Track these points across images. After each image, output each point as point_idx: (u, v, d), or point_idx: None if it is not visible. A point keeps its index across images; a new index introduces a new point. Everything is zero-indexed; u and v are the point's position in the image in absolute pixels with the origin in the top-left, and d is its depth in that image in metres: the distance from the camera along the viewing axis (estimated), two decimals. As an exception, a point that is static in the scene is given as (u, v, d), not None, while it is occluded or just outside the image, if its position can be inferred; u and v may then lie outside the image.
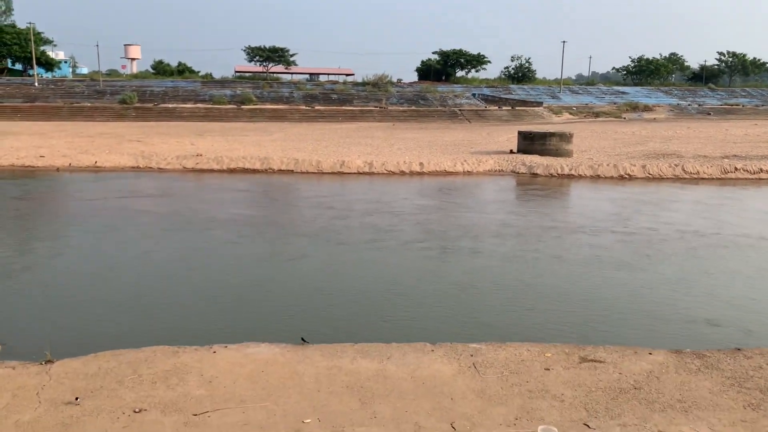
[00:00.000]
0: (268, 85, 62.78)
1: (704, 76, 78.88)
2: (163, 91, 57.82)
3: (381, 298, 8.55)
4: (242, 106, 52.39)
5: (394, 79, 67.21)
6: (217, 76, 74.12)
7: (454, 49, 76.28)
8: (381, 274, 9.69)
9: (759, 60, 77.73)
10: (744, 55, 77.45)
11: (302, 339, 6.34)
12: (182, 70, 75.66)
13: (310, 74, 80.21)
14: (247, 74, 76.40)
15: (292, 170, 21.03)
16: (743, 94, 71.21)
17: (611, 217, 14.19)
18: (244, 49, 75.37)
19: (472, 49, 78.63)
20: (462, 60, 76.24)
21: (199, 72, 78.05)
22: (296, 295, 8.61)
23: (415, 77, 79.33)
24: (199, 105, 52.61)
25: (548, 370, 5.39)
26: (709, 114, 59.99)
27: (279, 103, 54.83)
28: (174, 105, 51.92)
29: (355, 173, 20.82)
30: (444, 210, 15.04)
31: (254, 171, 21.11)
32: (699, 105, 64.24)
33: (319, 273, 9.72)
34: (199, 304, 8.28)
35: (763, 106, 64.18)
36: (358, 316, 7.80)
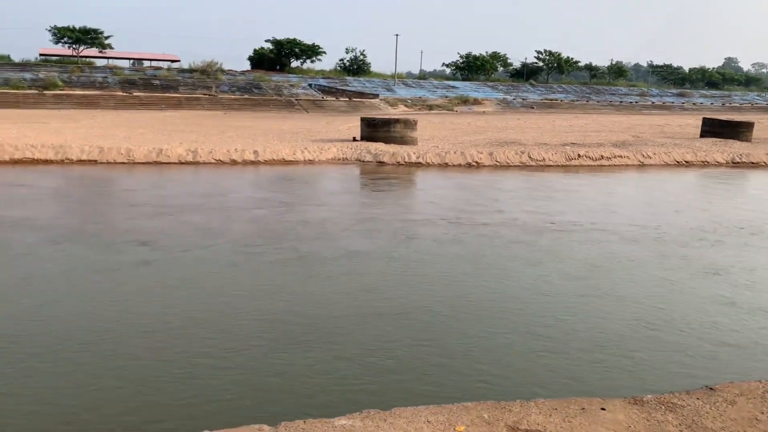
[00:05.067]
0: (79, 69, 55.64)
1: (525, 73, 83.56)
2: (-57, 72, 48.81)
3: (183, 351, 6.08)
4: (45, 92, 45.59)
5: (225, 67, 62.94)
6: (17, 59, 64.61)
7: (288, 38, 73.36)
8: (195, 299, 7.18)
9: (572, 59, 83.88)
10: (559, 54, 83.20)
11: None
12: (-29, 51, 64.94)
13: (131, 59, 72.90)
14: (54, 57, 67.49)
15: (96, 160, 17.39)
16: (560, 90, 76.35)
17: (472, 206, 12.77)
18: (49, 29, 66.37)
19: (307, 39, 76.39)
20: (297, 50, 73.50)
21: (-7, 53, 67.58)
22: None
23: (247, 66, 75.20)
24: (-10, 89, 44.91)
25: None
26: (533, 108, 63.27)
27: (91, 89, 48.54)
28: (-44, 88, 43.82)
29: (175, 163, 17.71)
30: (287, 204, 12.71)
31: (47, 162, 17.17)
32: (523, 99, 67.64)
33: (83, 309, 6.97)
34: None
35: (578, 101, 69.13)
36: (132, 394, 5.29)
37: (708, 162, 21.00)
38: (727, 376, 4.97)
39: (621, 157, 20.50)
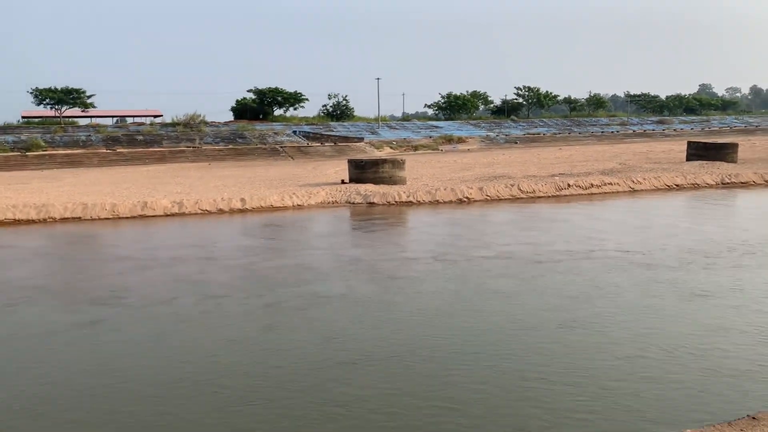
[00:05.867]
0: (62, 129, 55.54)
1: (506, 109, 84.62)
2: (-76, 139, 48.44)
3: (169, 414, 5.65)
4: (28, 153, 45.30)
5: (209, 119, 63.09)
6: (-1, 122, 64.54)
7: (270, 87, 73.93)
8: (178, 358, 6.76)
9: (551, 93, 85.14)
10: (538, 89, 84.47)
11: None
12: (-48, 117, 64.69)
13: (114, 117, 73.04)
14: (36, 119, 67.43)
15: (80, 217, 16.97)
16: (541, 124, 77.24)
17: (465, 241, 12.47)
18: (30, 91, 66.46)
19: (289, 87, 77.03)
20: (279, 98, 74.03)
21: (-26, 119, 67.39)
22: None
23: (230, 117, 75.52)
24: (-29, 153, 44.54)
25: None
26: (516, 143, 63.80)
27: (74, 148, 48.35)
28: (-63, 155, 43.44)
29: (161, 215, 17.32)
30: (273, 251, 12.34)
31: (28, 222, 16.73)
32: (506, 135, 68.25)
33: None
34: None
35: (560, 134, 69.86)
36: None
37: (698, 184, 20.94)
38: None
39: (611, 184, 20.39)
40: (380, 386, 5.51)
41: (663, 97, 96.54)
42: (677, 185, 20.84)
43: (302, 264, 10.79)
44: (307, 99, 76.13)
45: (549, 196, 19.35)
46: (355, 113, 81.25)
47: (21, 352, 6.85)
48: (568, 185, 19.92)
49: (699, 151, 27.33)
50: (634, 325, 6.86)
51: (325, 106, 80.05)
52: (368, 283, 9.21)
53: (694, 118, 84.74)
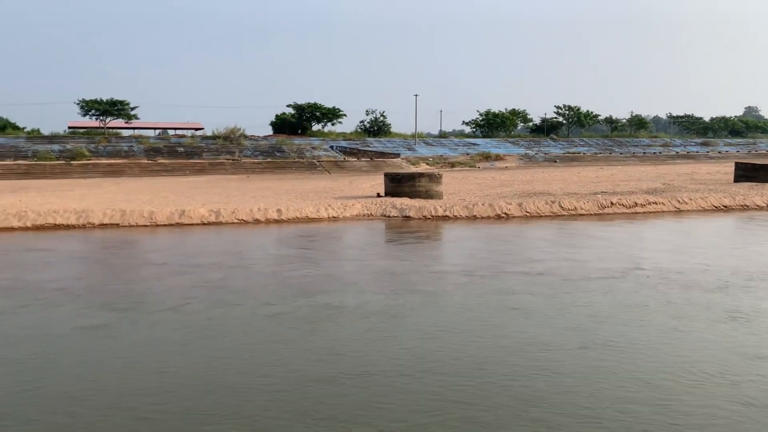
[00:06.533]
0: (106, 139, 56.88)
1: (546, 128, 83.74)
2: (-25, 147, 50.11)
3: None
4: (72, 162, 46.42)
5: (248, 133, 63.89)
6: (47, 132, 66.45)
7: (309, 103, 74.72)
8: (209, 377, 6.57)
9: (591, 112, 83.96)
10: (578, 108, 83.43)
11: None
12: (3, 126, 66.96)
13: (156, 129, 74.60)
14: (81, 129, 69.31)
15: (118, 224, 17.13)
16: (581, 143, 76.11)
17: (498, 256, 12.09)
18: (77, 102, 68.40)
19: (327, 103, 77.67)
20: (317, 113, 74.73)
21: (24, 128, 69.62)
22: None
23: (269, 131, 76.43)
24: (19, 162, 45.87)
25: None
26: (555, 161, 62.89)
27: (117, 158, 49.38)
28: (-13, 162, 44.82)
29: (198, 224, 17.36)
30: (308, 260, 12.15)
31: (68, 227, 16.94)
32: (545, 153, 67.40)
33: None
34: None
35: (600, 153, 68.65)
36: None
37: (747, 206, 20.12)
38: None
39: (656, 203, 19.72)
40: (373, 402, 5.21)
41: (707, 119, 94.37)
42: (725, 206, 20.06)
43: (329, 274, 10.57)
44: (344, 114, 76.70)
45: (591, 214, 18.80)
46: (392, 129, 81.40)
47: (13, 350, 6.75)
48: (611, 203, 19.33)
49: (748, 173, 26.40)
50: (658, 347, 6.43)
51: (362, 121, 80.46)
52: (388, 295, 8.91)
53: (739, 140, 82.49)
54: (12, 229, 16.72)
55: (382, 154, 60.52)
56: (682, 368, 5.86)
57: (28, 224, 16.97)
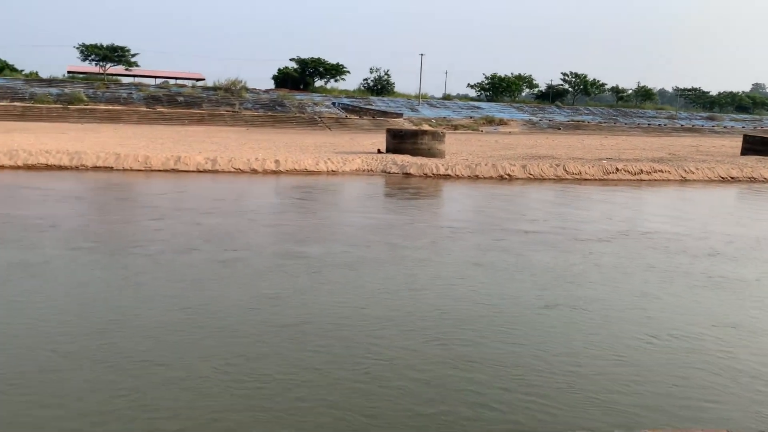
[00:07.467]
0: (105, 85, 55.95)
1: (551, 95, 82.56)
2: (-28, 87, 49.24)
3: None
4: (69, 106, 45.68)
5: (249, 86, 62.85)
6: (45, 75, 65.34)
7: (312, 57, 73.40)
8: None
9: (598, 81, 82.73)
10: (585, 76, 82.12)
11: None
12: (1, 68, 65.80)
13: (156, 77, 73.35)
14: (81, 74, 68.18)
15: (112, 167, 16.71)
16: (586, 111, 75.16)
17: (493, 214, 11.76)
18: (77, 46, 67.07)
19: (331, 59, 76.39)
20: (321, 69, 73.46)
21: (22, 71, 68.46)
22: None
23: (271, 85, 75.25)
24: (16, 103, 45.12)
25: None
26: (560, 128, 62.15)
27: (115, 104, 48.58)
28: (-17, 102, 44.08)
29: (194, 171, 16.95)
30: (308, 210, 11.81)
31: (60, 168, 16.52)
32: (549, 120, 66.57)
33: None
34: None
35: (605, 122, 67.83)
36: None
37: (755, 178, 19.73)
38: None
39: (662, 171, 19.31)
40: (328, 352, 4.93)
41: (714, 93, 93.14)
42: (732, 177, 19.66)
43: (323, 224, 10.25)
44: (348, 71, 75.45)
45: (596, 179, 18.41)
46: (395, 89, 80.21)
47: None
48: (617, 169, 18.92)
49: (756, 146, 25.93)
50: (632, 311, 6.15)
51: (366, 80, 79.17)
52: (374, 246, 8.59)
53: (745, 116, 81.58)
54: (2, 167, 16.30)
55: (385, 114, 59.73)
56: (642, 330, 5.58)
57: (19, 163, 16.55)
